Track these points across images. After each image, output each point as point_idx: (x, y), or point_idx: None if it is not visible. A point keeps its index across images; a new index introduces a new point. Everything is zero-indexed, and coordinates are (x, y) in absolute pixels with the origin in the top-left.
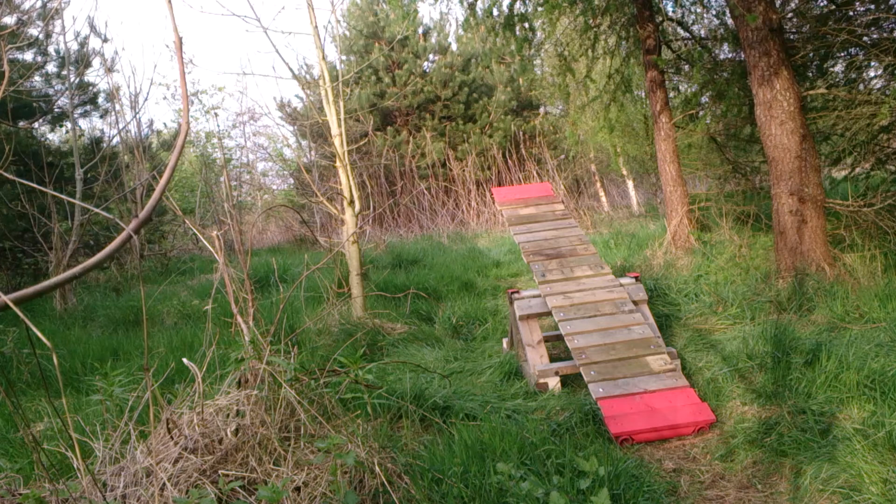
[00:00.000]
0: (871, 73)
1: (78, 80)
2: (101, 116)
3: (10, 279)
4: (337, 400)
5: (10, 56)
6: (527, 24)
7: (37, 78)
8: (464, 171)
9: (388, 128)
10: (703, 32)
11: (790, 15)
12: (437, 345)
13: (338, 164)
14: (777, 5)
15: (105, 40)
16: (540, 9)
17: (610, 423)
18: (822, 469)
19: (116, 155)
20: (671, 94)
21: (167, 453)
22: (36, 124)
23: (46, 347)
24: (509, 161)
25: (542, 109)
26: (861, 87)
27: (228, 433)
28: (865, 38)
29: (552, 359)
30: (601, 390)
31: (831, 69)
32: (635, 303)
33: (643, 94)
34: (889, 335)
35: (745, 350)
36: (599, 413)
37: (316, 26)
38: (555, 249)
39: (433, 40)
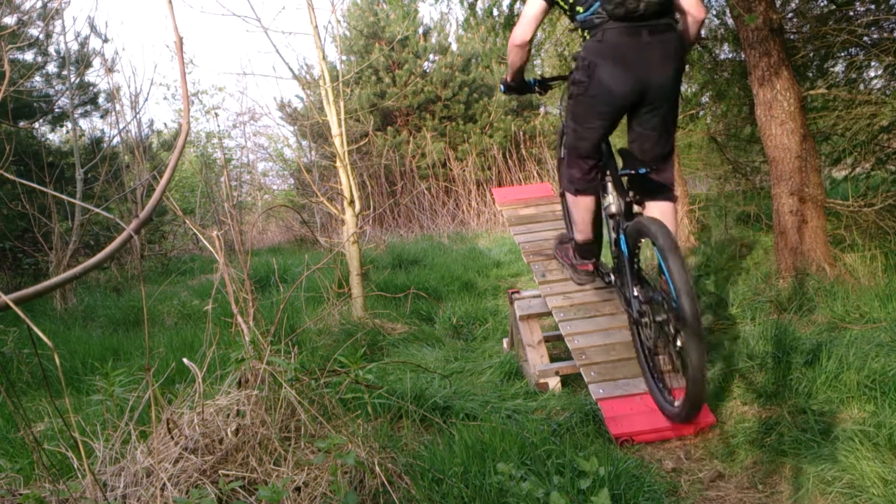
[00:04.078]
0: (872, 74)
1: (78, 80)
2: (102, 116)
3: (11, 279)
4: (337, 400)
5: (11, 56)
6: None
7: (37, 78)
8: (464, 171)
9: (389, 128)
10: (703, 32)
11: (790, 15)
12: (438, 345)
13: (338, 164)
14: (777, 5)
15: (105, 40)
16: None
17: (610, 424)
18: (823, 469)
19: (117, 155)
20: None
21: (167, 453)
22: (36, 124)
23: (47, 347)
24: (509, 161)
25: (542, 109)
26: (861, 87)
27: (229, 433)
28: (866, 39)
29: (552, 359)
30: (601, 391)
31: (831, 69)
32: None
33: None
34: (889, 335)
35: (746, 350)
36: (600, 413)
37: (316, 26)
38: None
39: (433, 40)
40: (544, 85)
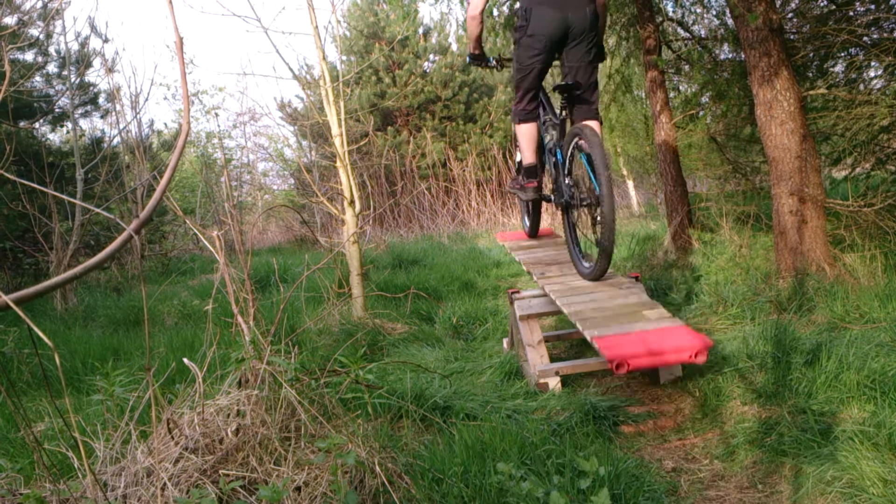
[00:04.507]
0: (872, 73)
1: (78, 80)
2: (102, 117)
3: (11, 279)
4: (337, 400)
5: (11, 56)
6: None
7: (37, 78)
8: (464, 171)
9: (389, 128)
10: (703, 32)
11: (790, 15)
12: (438, 345)
13: (338, 164)
14: (777, 5)
15: (106, 41)
16: None
17: (605, 351)
18: (823, 469)
19: (117, 155)
20: (671, 94)
21: (168, 453)
22: (37, 124)
23: (48, 347)
24: (509, 161)
25: None
26: (861, 87)
27: (229, 433)
28: (865, 39)
29: (552, 359)
30: (595, 332)
31: (831, 69)
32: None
33: (643, 94)
34: (889, 335)
35: (746, 350)
36: (599, 407)
37: (316, 26)
38: (554, 260)
39: (433, 40)
40: (500, 62)
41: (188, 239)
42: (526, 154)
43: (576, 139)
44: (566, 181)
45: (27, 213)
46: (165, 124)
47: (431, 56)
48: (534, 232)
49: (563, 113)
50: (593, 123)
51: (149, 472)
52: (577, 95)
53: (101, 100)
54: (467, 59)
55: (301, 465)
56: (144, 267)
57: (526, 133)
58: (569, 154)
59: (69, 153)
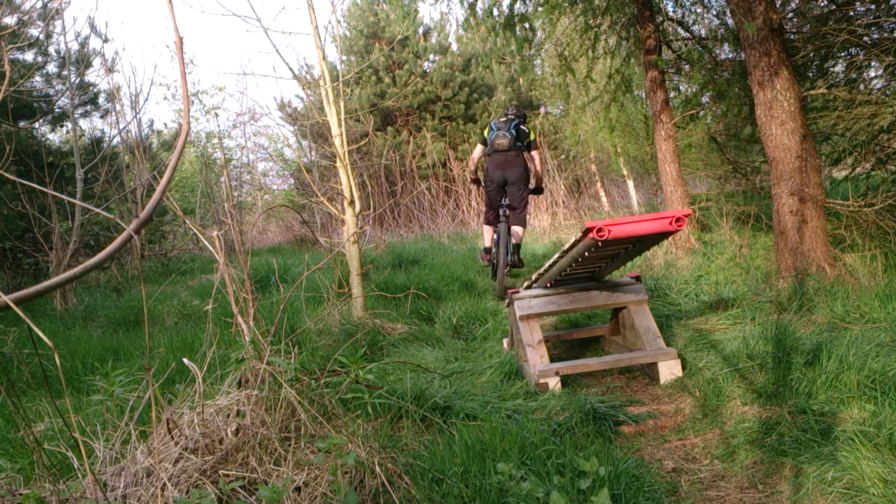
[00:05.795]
0: (872, 73)
1: (78, 80)
2: (102, 116)
3: (11, 279)
4: (337, 400)
5: (11, 56)
6: (527, 24)
7: (37, 78)
8: (464, 171)
9: (389, 128)
10: (703, 32)
11: (790, 15)
12: (438, 345)
13: (338, 164)
14: (777, 5)
15: (105, 40)
16: (540, 9)
17: (588, 225)
18: (823, 469)
19: (117, 155)
20: (671, 94)
21: (168, 453)
22: (36, 124)
23: (47, 347)
24: None
25: (542, 109)
26: (861, 87)
27: (229, 433)
28: (866, 39)
29: (552, 359)
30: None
31: (832, 69)
32: (636, 303)
33: (643, 94)
34: (889, 335)
35: (746, 350)
36: (599, 407)
37: (316, 26)
38: None
39: (433, 40)
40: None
41: (188, 239)
42: (485, 241)
43: (506, 232)
44: (502, 251)
45: (27, 213)
46: (165, 124)
47: (431, 56)
48: (494, 277)
49: (504, 217)
50: (517, 228)
51: (149, 472)
52: (513, 209)
53: (100, 100)
54: (470, 180)
55: (301, 466)
56: (144, 267)
57: (487, 230)
58: (503, 237)
59: (69, 153)
